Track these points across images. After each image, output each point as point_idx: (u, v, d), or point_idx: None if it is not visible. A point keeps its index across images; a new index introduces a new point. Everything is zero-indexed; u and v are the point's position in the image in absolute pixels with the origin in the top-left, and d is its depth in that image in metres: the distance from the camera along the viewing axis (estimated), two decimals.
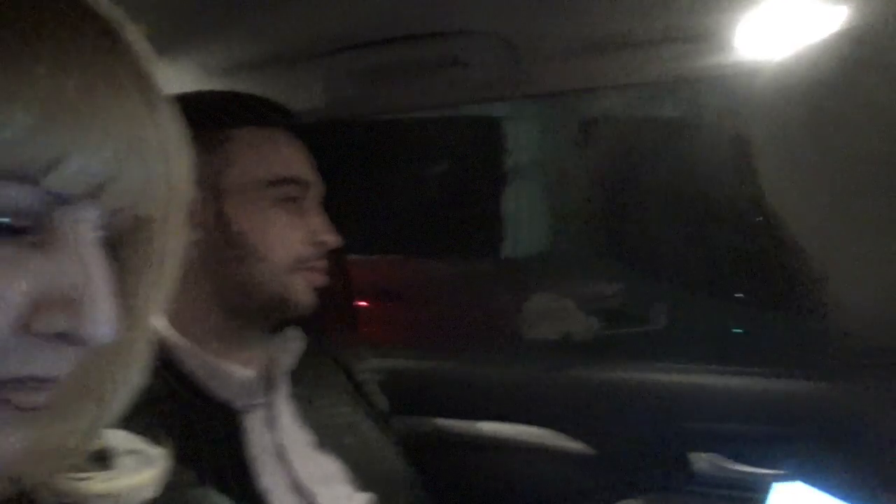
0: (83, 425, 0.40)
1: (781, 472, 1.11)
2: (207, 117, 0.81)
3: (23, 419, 0.33)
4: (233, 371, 0.80)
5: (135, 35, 0.35)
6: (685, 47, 0.87)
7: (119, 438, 0.47)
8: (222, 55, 0.93)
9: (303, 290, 0.83)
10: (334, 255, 1.40)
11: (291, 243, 0.83)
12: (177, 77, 0.94)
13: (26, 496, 0.38)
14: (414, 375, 1.36)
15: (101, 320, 0.32)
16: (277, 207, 0.82)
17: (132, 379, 0.41)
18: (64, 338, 0.32)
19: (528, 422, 1.26)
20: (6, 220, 0.29)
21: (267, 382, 0.84)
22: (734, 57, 0.85)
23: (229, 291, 0.81)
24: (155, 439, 0.50)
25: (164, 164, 0.34)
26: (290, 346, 0.88)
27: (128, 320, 0.36)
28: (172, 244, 0.40)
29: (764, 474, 1.12)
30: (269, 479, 0.78)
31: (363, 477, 0.86)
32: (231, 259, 0.80)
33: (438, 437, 1.29)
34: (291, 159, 0.86)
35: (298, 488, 0.80)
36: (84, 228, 0.32)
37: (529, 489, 1.26)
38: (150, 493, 0.44)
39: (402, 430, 1.06)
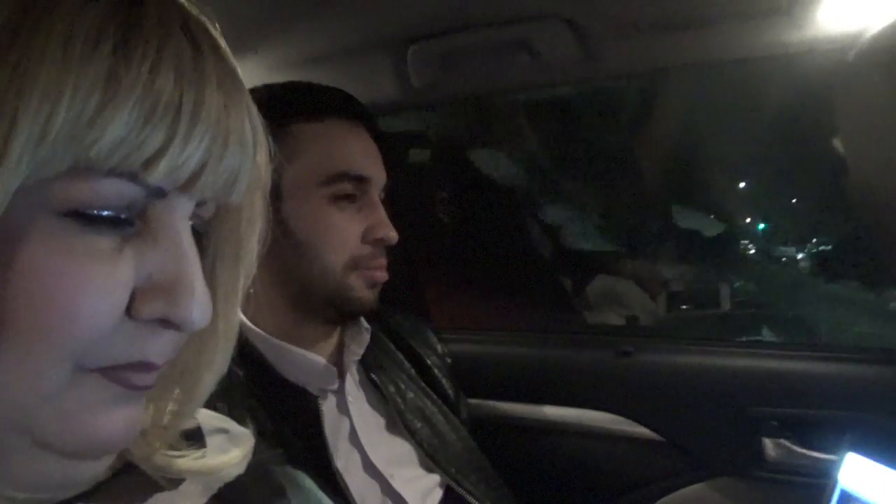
0: (174, 407, 0.42)
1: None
2: (269, 112, 0.82)
3: (130, 397, 0.35)
4: (304, 356, 0.81)
5: (217, 32, 0.36)
6: (760, 23, 0.84)
7: (208, 418, 0.50)
8: (301, 47, 0.94)
9: (361, 288, 0.83)
10: (400, 242, 1.43)
11: (347, 243, 0.82)
12: (256, 71, 0.96)
13: (132, 469, 0.41)
14: (482, 360, 1.37)
15: (197, 306, 0.34)
16: (333, 205, 0.81)
17: (217, 364, 0.43)
18: (164, 323, 0.34)
19: (595, 406, 1.26)
20: (110, 212, 0.31)
21: (338, 369, 0.86)
22: (816, 32, 0.82)
23: (291, 288, 0.82)
24: (239, 420, 0.52)
25: (249, 155, 0.36)
26: (359, 336, 0.89)
27: (214, 307, 0.37)
28: (252, 232, 0.42)
29: (835, 460, 1.10)
30: (344, 460, 0.80)
31: (433, 458, 0.87)
32: (289, 258, 0.80)
33: (506, 421, 1.30)
34: (350, 154, 0.83)
35: (371, 469, 0.82)
36: (177, 219, 0.34)
37: (596, 474, 1.26)
38: (238, 471, 0.47)
39: (471, 414, 1.07)
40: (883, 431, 1.03)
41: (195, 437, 0.47)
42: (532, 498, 1.04)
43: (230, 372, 0.76)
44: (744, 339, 1.31)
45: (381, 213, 0.85)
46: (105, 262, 0.31)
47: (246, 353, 0.80)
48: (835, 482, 0.52)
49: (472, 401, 1.17)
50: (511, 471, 0.99)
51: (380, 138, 0.89)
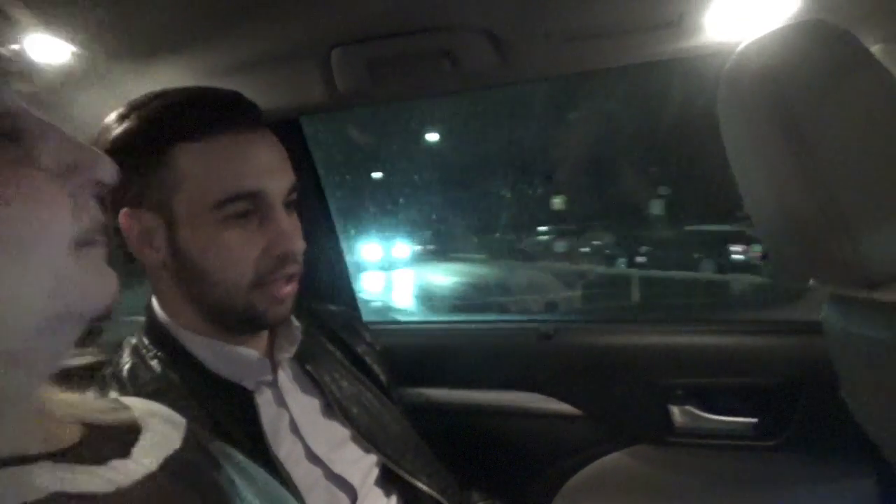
0: None
1: (749, 419, 1.19)
2: (147, 137, 0.77)
3: None
4: (237, 351, 0.82)
5: None
6: (655, 34, 0.93)
7: (141, 403, 0.55)
8: (225, 53, 0.95)
9: (267, 304, 0.80)
10: (330, 239, 1.44)
11: (246, 263, 0.78)
12: (178, 79, 0.95)
13: (92, 438, 0.46)
14: (411, 351, 1.42)
15: None
16: (228, 227, 0.77)
17: None
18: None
19: (519, 388, 1.33)
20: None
21: (272, 364, 0.88)
22: (703, 40, 0.92)
23: (203, 307, 0.81)
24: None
25: None
26: (289, 334, 0.90)
27: None
28: None
29: (735, 422, 1.20)
30: (285, 450, 0.83)
31: (371, 441, 0.91)
32: (193, 283, 0.79)
33: (437, 406, 1.36)
34: (239, 172, 0.77)
35: (313, 457, 0.85)
36: None
37: (523, 449, 1.34)
38: (175, 446, 0.52)
39: (404, 399, 1.11)
40: (777, 396, 1.14)
41: (131, 428, 0.51)
42: (465, 475, 1.09)
43: (166, 377, 0.77)
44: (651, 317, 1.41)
45: (283, 226, 0.79)
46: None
47: (179, 356, 0.81)
48: None
49: (404, 390, 1.21)
50: (444, 451, 1.04)
51: (288, 135, 0.87)
